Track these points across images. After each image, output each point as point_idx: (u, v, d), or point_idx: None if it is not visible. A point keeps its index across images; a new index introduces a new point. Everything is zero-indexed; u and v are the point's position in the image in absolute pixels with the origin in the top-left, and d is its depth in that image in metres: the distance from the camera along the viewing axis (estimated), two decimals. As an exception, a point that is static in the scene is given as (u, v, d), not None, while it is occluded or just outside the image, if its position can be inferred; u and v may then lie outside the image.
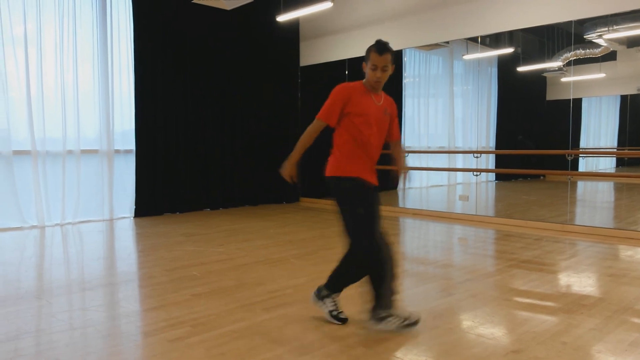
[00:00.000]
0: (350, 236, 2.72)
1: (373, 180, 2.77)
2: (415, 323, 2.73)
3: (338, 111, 2.71)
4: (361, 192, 2.70)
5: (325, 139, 2.90)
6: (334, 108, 2.71)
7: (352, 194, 2.70)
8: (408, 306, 3.12)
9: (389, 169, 3.00)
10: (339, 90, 2.72)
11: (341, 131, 2.74)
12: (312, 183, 8.69)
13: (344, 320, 2.84)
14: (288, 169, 2.77)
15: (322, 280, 3.57)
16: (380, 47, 2.65)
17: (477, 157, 7.06)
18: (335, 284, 2.87)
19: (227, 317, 2.94)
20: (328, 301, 2.89)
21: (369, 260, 2.69)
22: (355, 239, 2.70)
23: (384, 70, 2.69)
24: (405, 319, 2.71)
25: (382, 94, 2.83)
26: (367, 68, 2.72)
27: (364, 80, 2.79)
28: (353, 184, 2.70)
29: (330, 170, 2.77)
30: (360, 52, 7.81)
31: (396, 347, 2.51)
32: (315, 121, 2.73)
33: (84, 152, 6.64)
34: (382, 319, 2.72)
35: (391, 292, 2.73)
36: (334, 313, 2.86)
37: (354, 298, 3.24)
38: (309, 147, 2.79)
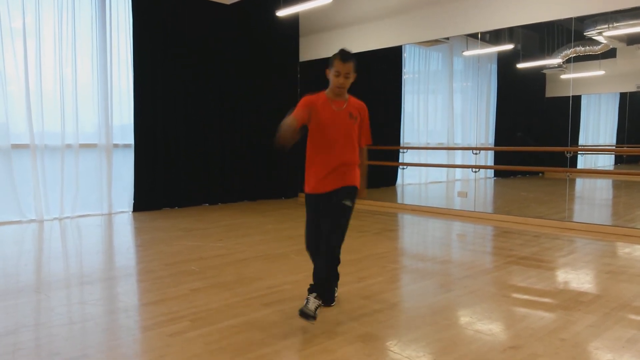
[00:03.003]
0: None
1: (328, 187, 2.90)
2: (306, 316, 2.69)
3: (305, 116, 2.84)
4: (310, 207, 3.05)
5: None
6: (301, 111, 2.82)
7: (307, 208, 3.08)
8: (407, 301, 3.13)
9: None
10: (304, 100, 2.90)
11: (309, 144, 2.95)
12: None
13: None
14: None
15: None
16: (344, 55, 2.83)
17: (476, 153, 7.07)
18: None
19: (226, 312, 2.95)
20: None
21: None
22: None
23: (347, 77, 2.85)
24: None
25: (349, 99, 2.95)
26: (330, 74, 2.88)
27: (327, 89, 2.93)
28: (307, 200, 3.04)
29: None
30: (360, 48, 7.79)
31: (394, 342, 2.52)
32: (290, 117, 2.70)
33: (82, 146, 6.62)
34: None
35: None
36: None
37: (351, 294, 3.25)
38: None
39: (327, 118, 2.88)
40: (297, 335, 2.61)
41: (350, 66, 2.82)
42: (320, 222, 2.94)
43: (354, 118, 2.93)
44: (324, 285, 2.86)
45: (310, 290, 2.81)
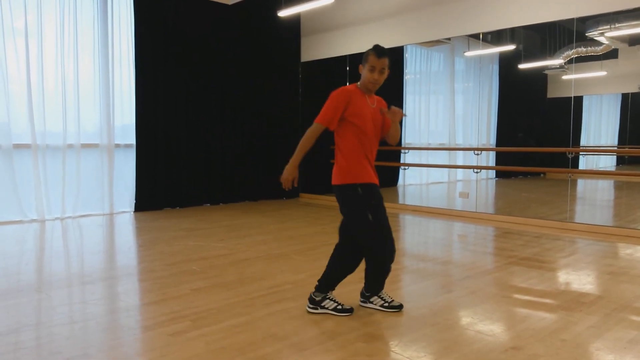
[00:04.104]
0: (364, 241, 2.86)
1: (376, 180, 2.88)
2: (398, 307, 2.95)
3: (339, 115, 2.77)
4: (372, 196, 2.80)
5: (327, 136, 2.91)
6: (335, 112, 2.76)
7: (364, 199, 2.79)
8: (408, 302, 3.12)
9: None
10: (340, 94, 2.78)
11: (347, 135, 2.79)
12: (312, 179, 8.68)
13: (350, 311, 2.92)
14: (289, 172, 2.78)
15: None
16: (379, 50, 2.77)
17: (477, 154, 7.06)
18: (326, 284, 2.96)
19: (228, 312, 2.95)
20: (327, 303, 2.94)
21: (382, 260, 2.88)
22: (372, 244, 2.84)
23: (381, 73, 2.78)
24: (388, 302, 2.97)
25: (374, 96, 2.92)
26: (364, 70, 2.80)
27: (358, 82, 2.87)
28: (365, 189, 2.78)
29: (339, 178, 2.81)
30: (361, 48, 7.80)
31: (395, 343, 2.52)
32: (314, 125, 2.77)
33: (84, 146, 6.63)
34: (367, 298, 3.00)
35: (382, 278, 2.98)
36: (339, 308, 2.91)
37: (354, 293, 3.25)
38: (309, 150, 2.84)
39: (366, 114, 2.80)
40: (299, 335, 2.61)
41: (385, 61, 2.74)
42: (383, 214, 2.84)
43: (382, 114, 2.91)
44: (388, 272, 2.94)
45: (374, 292, 2.99)
